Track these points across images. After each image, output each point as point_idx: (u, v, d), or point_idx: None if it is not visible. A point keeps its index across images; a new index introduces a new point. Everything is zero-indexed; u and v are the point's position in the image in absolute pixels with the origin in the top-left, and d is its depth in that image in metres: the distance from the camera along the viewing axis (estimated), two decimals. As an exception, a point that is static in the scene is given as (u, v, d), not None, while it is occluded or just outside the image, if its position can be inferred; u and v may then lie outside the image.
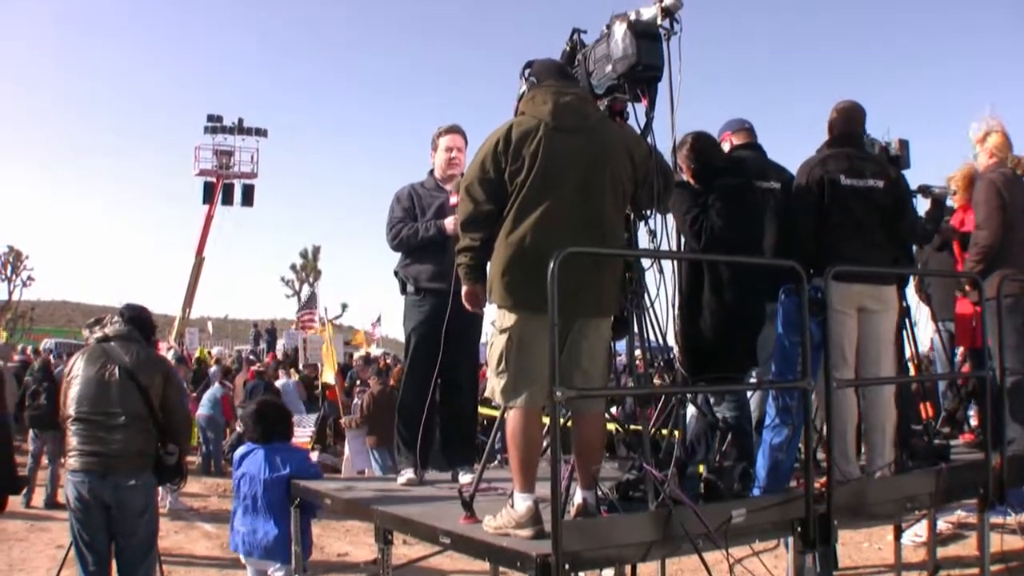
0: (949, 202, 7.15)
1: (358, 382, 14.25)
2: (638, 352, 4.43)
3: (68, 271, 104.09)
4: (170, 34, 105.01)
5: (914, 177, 6.28)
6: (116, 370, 5.54)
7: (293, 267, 53.03)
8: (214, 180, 37.47)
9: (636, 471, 4.19)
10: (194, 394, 16.08)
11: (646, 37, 4.27)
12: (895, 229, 5.42)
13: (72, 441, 5.49)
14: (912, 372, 6.81)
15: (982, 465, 5.20)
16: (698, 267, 4.96)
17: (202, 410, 15.74)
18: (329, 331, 16.80)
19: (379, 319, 33.36)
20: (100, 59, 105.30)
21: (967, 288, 6.56)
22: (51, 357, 19.64)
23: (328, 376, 15.34)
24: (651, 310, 4.47)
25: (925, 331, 7.81)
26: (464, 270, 4.16)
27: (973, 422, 7.40)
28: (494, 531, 3.87)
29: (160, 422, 5.62)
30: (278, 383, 17.17)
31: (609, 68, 4.37)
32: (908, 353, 6.27)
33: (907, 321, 6.18)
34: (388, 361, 21.61)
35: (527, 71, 4.31)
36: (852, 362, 5.19)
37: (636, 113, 4.48)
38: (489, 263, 4.08)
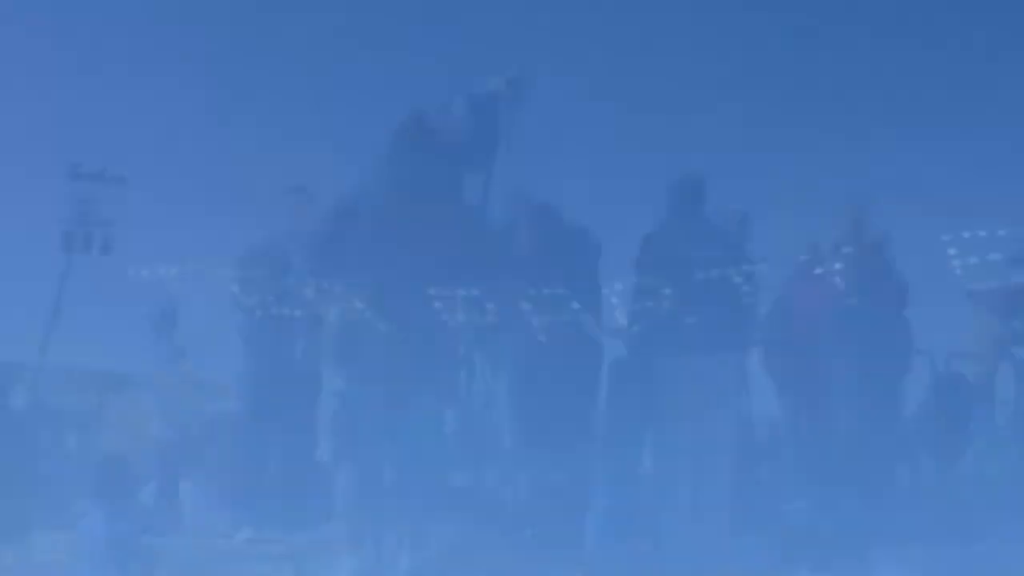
0: None
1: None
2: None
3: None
4: (31, 76, 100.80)
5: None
6: None
7: (152, 321, 50.70)
8: (73, 229, 35.87)
9: None
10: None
11: (482, 111, 4.47)
12: None
13: None
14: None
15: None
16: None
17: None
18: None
19: None
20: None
21: None
22: None
23: None
24: None
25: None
26: None
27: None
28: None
29: None
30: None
31: (447, 140, 4.54)
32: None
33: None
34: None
35: None
36: None
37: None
38: None
